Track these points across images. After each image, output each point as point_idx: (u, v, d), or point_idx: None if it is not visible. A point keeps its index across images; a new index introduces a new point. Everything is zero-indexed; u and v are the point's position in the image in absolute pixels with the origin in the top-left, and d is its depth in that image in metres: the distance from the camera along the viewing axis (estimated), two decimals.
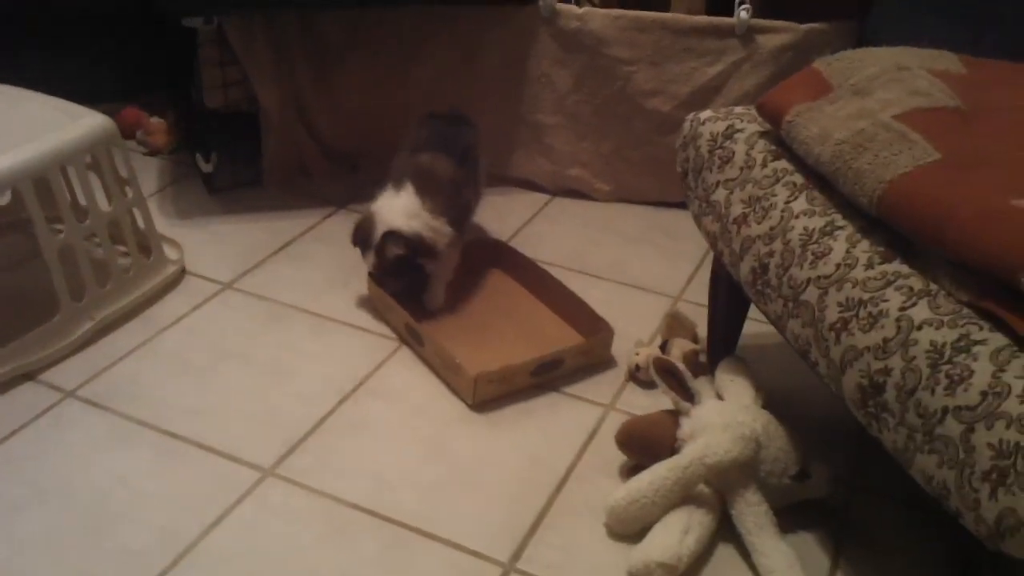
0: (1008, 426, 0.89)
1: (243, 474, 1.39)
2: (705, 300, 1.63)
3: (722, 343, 1.59)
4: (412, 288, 1.75)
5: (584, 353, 1.64)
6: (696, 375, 1.45)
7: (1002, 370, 0.92)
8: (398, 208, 1.69)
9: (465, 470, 1.43)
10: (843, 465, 1.48)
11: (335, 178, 2.22)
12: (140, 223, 1.77)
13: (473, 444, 1.48)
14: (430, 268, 1.73)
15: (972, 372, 0.93)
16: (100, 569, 1.22)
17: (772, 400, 1.44)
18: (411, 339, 1.68)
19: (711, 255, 1.53)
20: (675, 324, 1.69)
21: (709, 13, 2.12)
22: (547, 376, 1.60)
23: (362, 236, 1.72)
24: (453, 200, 1.74)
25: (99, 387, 1.54)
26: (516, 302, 1.83)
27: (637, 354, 1.63)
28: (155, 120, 2.33)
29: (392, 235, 1.67)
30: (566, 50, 2.12)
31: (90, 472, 1.38)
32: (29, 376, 1.55)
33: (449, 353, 1.57)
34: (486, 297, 1.84)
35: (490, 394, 1.55)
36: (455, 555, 1.29)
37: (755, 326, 1.62)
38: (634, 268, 1.98)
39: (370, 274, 1.76)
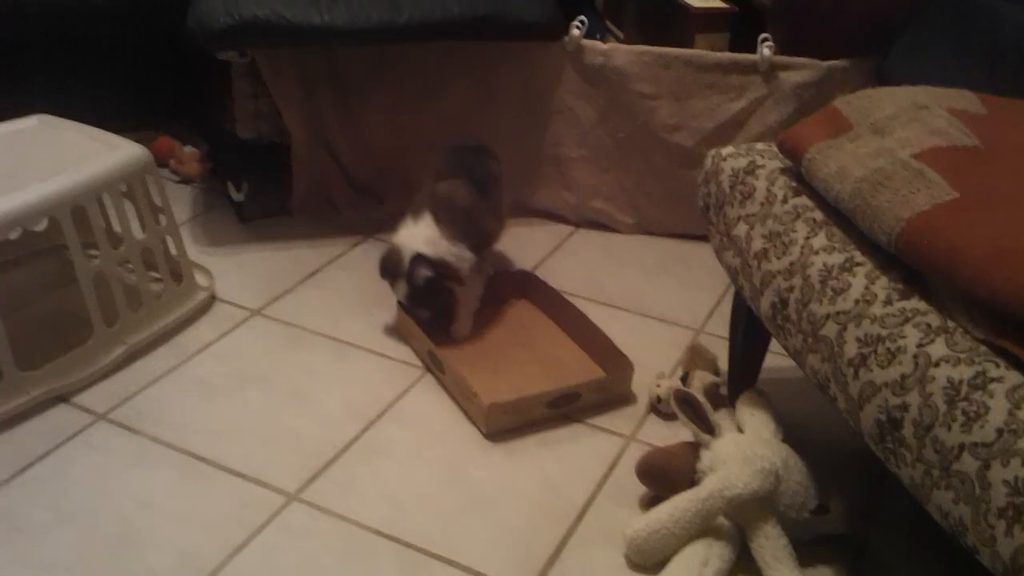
0: None
1: (268, 498, 1.42)
2: (726, 332, 1.65)
3: (742, 376, 1.60)
4: (439, 316, 1.78)
5: (602, 388, 1.66)
6: (716, 407, 1.46)
7: (1018, 407, 0.93)
8: (419, 236, 1.73)
9: (486, 498, 1.45)
10: (862, 499, 1.48)
11: (361, 209, 2.26)
12: (172, 250, 1.81)
13: (494, 472, 1.50)
14: (458, 293, 1.76)
15: (988, 409, 0.95)
16: None
17: (792, 433, 1.45)
18: (433, 366, 1.71)
19: (732, 288, 1.55)
20: (696, 356, 1.71)
21: (732, 50, 2.15)
22: (563, 409, 1.62)
23: (389, 267, 1.75)
24: (471, 226, 1.78)
25: (129, 411, 1.58)
26: (539, 332, 1.85)
27: (658, 386, 1.65)
28: (188, 149, 2.39)
29: (420, 258, 1.70)
30: (590, 85, 2.15)
31: (119, 494, 1.41)
32: (62, 398, 1.59)
33: (466, 381, 1.59)
34: (510, 326, 1.87)
35: (504, 424, 1.57)
36: None
37: (776, 359, 1.63)
38: (655, 300, 2.00)
39: (399, 303, 1.79)
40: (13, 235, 1.82)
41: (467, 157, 1.91)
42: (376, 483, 1.46)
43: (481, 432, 1.57)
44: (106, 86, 2.35)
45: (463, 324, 1.80)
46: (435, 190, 1.82)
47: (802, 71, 2.06)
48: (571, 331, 1.83)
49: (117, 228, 1.70)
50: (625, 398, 1.68)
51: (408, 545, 1.35)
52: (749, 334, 1.56)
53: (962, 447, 0.95)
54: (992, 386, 0.96)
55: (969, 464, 0.94)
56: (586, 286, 2.03)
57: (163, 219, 1.78)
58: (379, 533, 1.37)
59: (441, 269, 1.71)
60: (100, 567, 1.28)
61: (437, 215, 1.75)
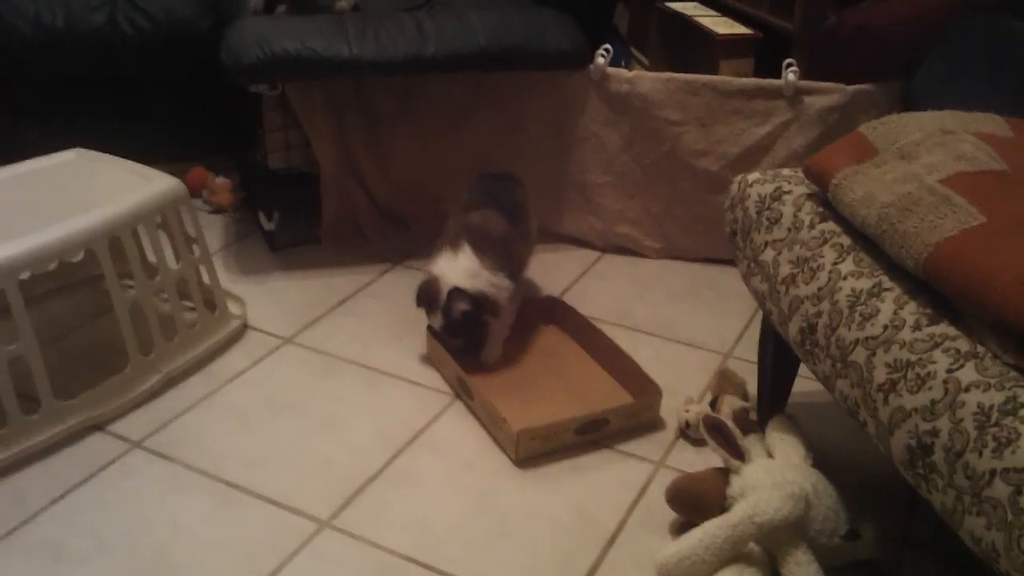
0: None
1: (301, 525, 1.43)
2: (755, 357, 1.64)
3: (772, 401, 1.60)
4: (472, 347, 1.79)
5: (631, 414, 1.66)
6: (746, 433, 1.46)
7: None
8: (459, 268, 1.75)
9: (516, 525, 1.45)
10: (894, 525, 1.47)
11: (389, 237, 2.29)
12: (206, 279, 1.84)
13: (524, 499, 1.51)
14: (491, 323, 1.78)
15: (1020, 434, 0.94)
16: None
17: (822, 459, 1.44)
18: (462, 392, 1.72)
19: (760, 312, 1.55)
20: (725, 381, 1.71)
21: (757, 76, 2.16)
22: (592, 435, 1.62)
23: (427, 297, 1.77)
24: (508, 254, 1.80)
25: (164, 438, 1.60)
26: (567, 359, 1.86)
27: (687, 411, 1.65)
28: (220, 180, 2.43)
29: (459, 291, 1.72)
30: (616, 112, 2.17)
31: (154, 522, 1.43)
32: (98, 427, 1.61)
33: (495, 408, 1.60)
34: (537, 353, 1.88)
35: (534, 450, 1.58)
36: None
37: (805, 384, 1.63)
38: (683, 325, 2.01)
39: (429, 328, 1.81)
40: (51, 266, 1.86)
41: (494, 186, 1.93)
42: (407, 510, 1.47)
43: (511, 459, 1.58)
44: (140, 120, 2.40)
45: (493, 350, 1.82)
46: (467, 220, 1.84)
47: (827, 95, 2.07)
48: (599, 357, 1.84)
49: (152, 258, 1.73)
50: (654, 424, 1.68)
51: (439, 572, 1.36)
52: (778, 359, 1.56)
53: (993, 473, 0.95)
54: (1023, 412, 0.95)
55: (1001, 490, 0.94)
56: (613, 311, 2.03)
57: (197, 249, 1.81)
58: (410, 559, 1.38)
59: (479, 302, 1.73)
60: None
61: (475, 245, 1.76)
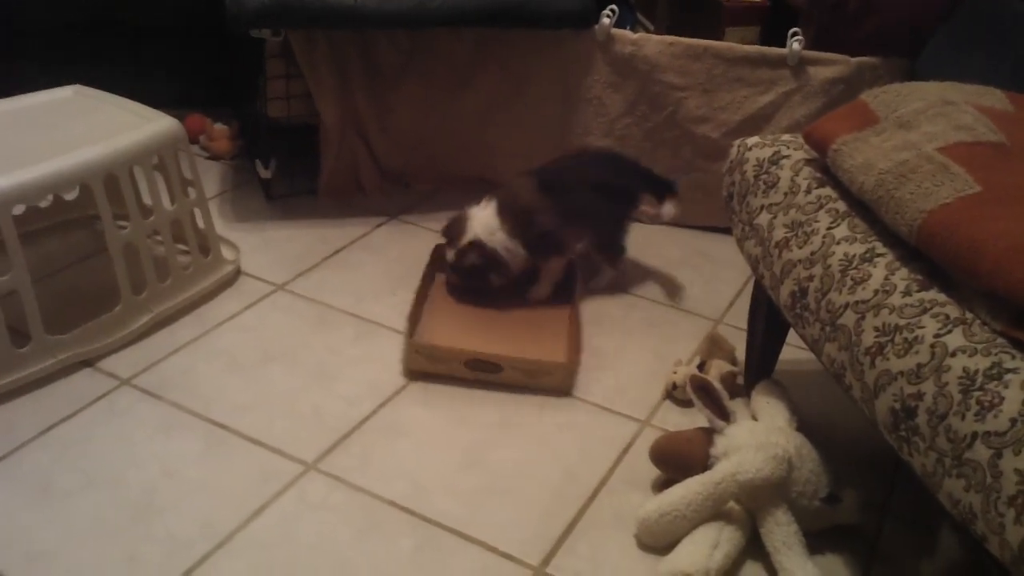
0: None
1: (286, 467, 1.44)
2: (745, 324, 1.65)
3: (759, 366, 1.61)
4: (472, 292, 1.86)
5: (527, 371, 1.63)
6: (732, 396, 1.47)
7: None
8: (483, 221, 1.82)
9: (501, 477, 1.46)
10: (876, 492, 1.48)
11: (387, 193, 2.29)
12: (200, 223, 1.83)
13: (510, 453, 1.52)
14: (496, 284, 1.84)
15: (1003, 399, 0.95)
16: (146, 554, 1.28)
17: (806, 424, 1.45)
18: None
19: (752, 281, 1.55)
20: (714, 345, 1.71)
21: (762, 43, 2.15)
22: (486, 375, 1.64)
23: (451, 232, 1.85)
24: (527, 226, 1.82)
25: (153, 377, 1.60)
26: (546, 310, 1.87)
27: (675, 372, 1.66)
28: (218, 127, 2.42)
29: (477, 244, 1.80)
30: (619, 75, 2.16)
31: (140, 459, 1.43)
32: (88, 363, 1.62)
33: (414, 319, 1.70)
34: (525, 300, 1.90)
35: (421, 367, 1.65)
36: (487, 556, 1.32)
37: (793, 351, 1.64)
38: (677, 290, 2.01)
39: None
40: (44, 203, 1.86)
41: (568, 161, 1.95)
42: (394, 458, 1.48)
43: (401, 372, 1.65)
44: (142, 67, 2.39)
45: (543, 288, 1.88)
46: (508, 184, 1.89)
47: (832, 67, 2.06)
48: (572, 316, 1.83)
49: (147, 200, 1.73)
50: (560, 390, 1.66)
51: (423, 519, 1.37)
52: (768, 324, 1.56)
53: (975, 436, 0.96)
54: (1008, 376, 0.96)
55: (981, 453, 0.95)
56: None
57: (192, 192, 1.80)
58: (394, 505, 1.39)
59: (490, 260, 1.80)
60: (124, 530, 1.31)
61: (500, 207, 1.82)
